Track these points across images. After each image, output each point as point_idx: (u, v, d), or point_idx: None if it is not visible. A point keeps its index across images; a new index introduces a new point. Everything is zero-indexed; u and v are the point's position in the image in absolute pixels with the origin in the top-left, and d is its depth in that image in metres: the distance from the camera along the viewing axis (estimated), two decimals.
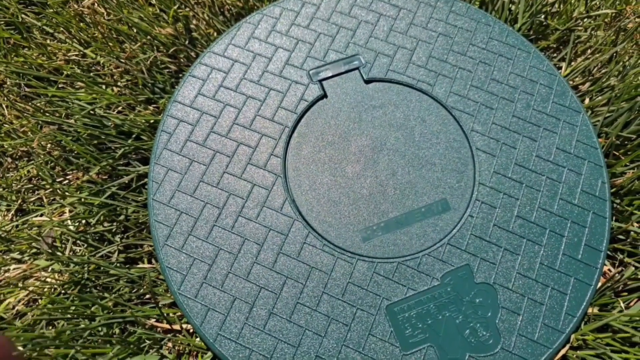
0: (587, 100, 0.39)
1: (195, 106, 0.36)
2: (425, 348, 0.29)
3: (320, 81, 0.36)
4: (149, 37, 0.41)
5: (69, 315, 0.32)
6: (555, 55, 0.42)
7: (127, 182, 0.37)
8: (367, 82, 0.36)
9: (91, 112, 0.39)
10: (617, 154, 0.37)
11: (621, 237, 0.35)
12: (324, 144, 0.34)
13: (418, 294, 0.30)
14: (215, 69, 0.37)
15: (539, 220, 0.32)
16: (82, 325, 0.31)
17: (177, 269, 0.31)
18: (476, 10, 0.39)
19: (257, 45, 0.37)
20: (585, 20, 0.42)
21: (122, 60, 0.40)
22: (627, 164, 0.36)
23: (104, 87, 0.41)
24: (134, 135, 0.39)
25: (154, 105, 0.40)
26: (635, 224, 0.34)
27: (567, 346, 0.30)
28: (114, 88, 0.41)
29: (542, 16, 0.42)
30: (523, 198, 0.33)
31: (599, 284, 0.32)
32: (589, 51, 0.41)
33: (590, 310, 0.32)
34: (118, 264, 0.35)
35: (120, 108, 0.40)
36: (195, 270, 0.30)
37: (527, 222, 0.32)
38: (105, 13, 0.43)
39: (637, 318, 0.31)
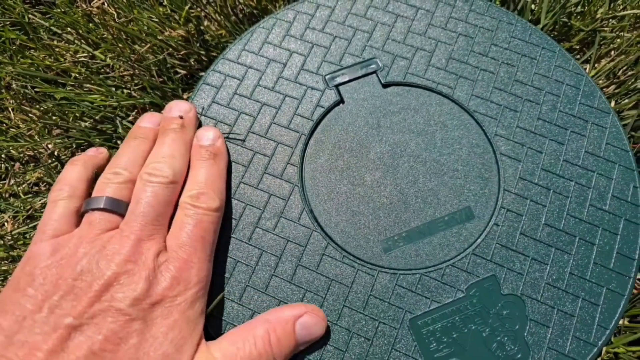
0: (612, 104, 0.38)
1: (209, 115, 0.34)
2: None
3: (337, 86, 0.35)
4: (159, 38, 0.39)
5: None
6: (578, 57, 0.40)
7: None
8: (385, 86, 0.35)
9: (106, 114, 0.38)
10: None
11: None
12: (341, 151, 0.33)
13: (442, 306, 0.29)
14: (229, 76, 0.35)
15: (568, 227, 0.31)
16: None
17: None
18: (497, 8, 0.38)
19: (272, 50, 0.36)
20: (610, 20, 0.41)
21: (131, 63, 0.39)
22: None
23: (114, 89, 0.39)
24: None
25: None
26: None
27: None
28: (124, 91, 0.39)
29: (566, 17, 0.41)
30: (550, 205, 0.32)
31: (631, 295, 0.31)
32: (613, 53, 0.40)
33: (621, 322, 0.31)
34: None
35: (135, 113, 0.39)
36: (212, 284, 0.29)
37: (555, 230, 0.31)
38: (115, 14, 0.42)
39: None
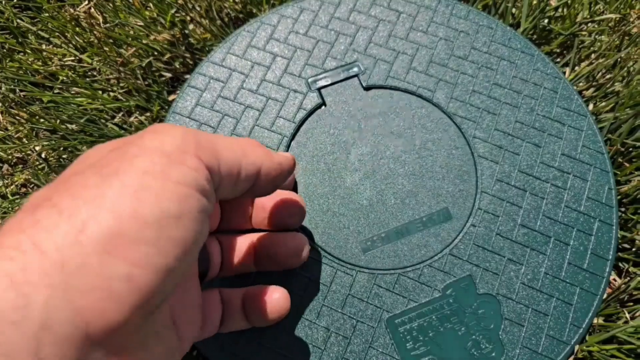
0: (591, 106, 0.38)
1: (193, 117, 0.35)
2: None
3: (319, 89, 0.36)
4: (144, 42, 0.40)
5: None
6: (558, 60, 0.41)
7: None
8: (367, 89, 0.36)
9: (92, 117, 0.38)
10: (622, 161, 0.36)
11: (626, 246, 0.34)
12: (322, 153, 0.34)
13: (419, 305, 0.30)
14: (213, 79, 0.36)
15: (543, 228, 0.32)
16: None
17: None
18: (478, 12, 0.38)
19: (256, 53, 0.37)
20: (589, 24, 0.41)
21: (117, 67, 0.39)
22: (633, 171, 0.35)
23: (100, 92, 0.40)
24: None
25: (149, 113, 0.39)
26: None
27: (571, 358, 0.30)
28: (110, 94, 0.40)
29: (546, 20, 0.41)
30: (527, 206, 0.32)
31: (605, 294, 0.31)
32: (592, 56, 0.40)
33: (595, 320, 0.31)
34: None
35: (121, 115, 0.39)
36: None
37: (531, 231, 0.32)
38: (101, 20, 0.42)
39: None
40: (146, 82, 0.40)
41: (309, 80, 0.36)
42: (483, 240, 0.31)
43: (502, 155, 0.34)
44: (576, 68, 0.40)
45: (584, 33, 0.41)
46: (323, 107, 0.35)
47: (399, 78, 0.36)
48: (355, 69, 0.36)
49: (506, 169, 0.33)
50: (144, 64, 0.39)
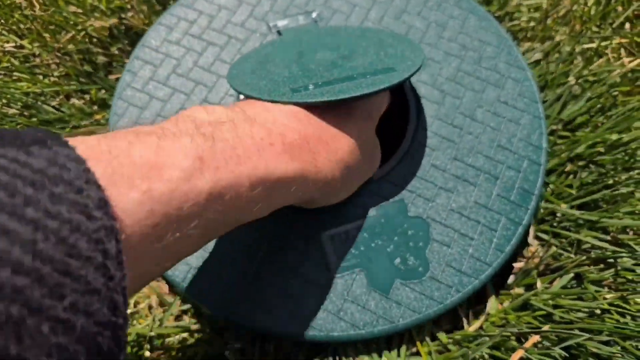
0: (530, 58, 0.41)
1: (124, 98, 0.37)
2: (356, 272, 0.30)
3: (278, 30, 0.38)
4: (82, 28, 0.42)
5: None
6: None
7: None
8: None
9: (31, 101, 0.40)
10: (557, 140, 0.38)
11: (548, 218, 0.36)
12: None
13: (353, 223, 0.32)
14: (147, 63, 0.38)
15: (476, 163, 0.34)
16: None
17: None
18: None
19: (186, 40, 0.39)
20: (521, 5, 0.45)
21: (56, 53, 0.41)
22: (561, 147, 0.38)
23: (41, 77, 0.41)
24: (71, 125, 0.40)
25: (88, 95, 0.41)
26: (564, 205, 0.35)
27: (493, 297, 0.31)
28: (51, 78, 0.42)
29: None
30: (462, 143, 0.35)
31: (522, 264, 0.33)
32: (528, 34, 0.43)
33: (515, 290, 0.33)
34: None
35: (59, 98, 0.41)
36: None
37: (464, 165, 0.34)
38: (38, 7, 0.44)
39: (559, 296, 0.32)
40: (85, 67, 0.42)
41: (270, 23, 0.39)
42: (418, 169, 0.33)
43: (444, 97, 0.36)
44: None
45: (515, 14, 0.44)
46: None
47: None
48: (314, 15, 0.39)
49: (447, 110, 0.36)
50: (80, 49, 0.41)
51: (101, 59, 0.43)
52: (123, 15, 0.43)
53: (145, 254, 0.17)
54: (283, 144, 0.23)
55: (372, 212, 0.32)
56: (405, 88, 0.36)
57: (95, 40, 0.43)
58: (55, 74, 0.42)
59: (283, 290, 0.30)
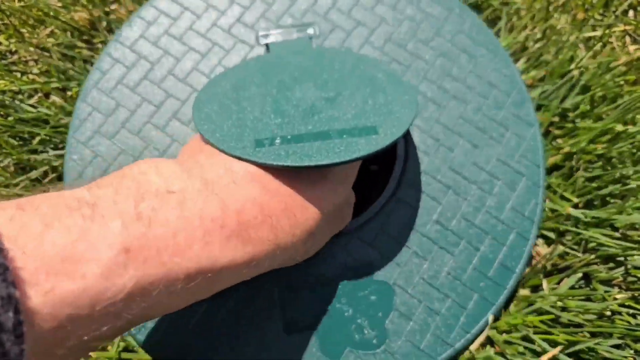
0: (523, 76, 0.38)
1: (88, 101, 0.34)
2: (307, 334, 0.29)
3: (267, 45, 0.34)
4: (62, 20, 0.38)
5: None
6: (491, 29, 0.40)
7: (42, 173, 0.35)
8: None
9: (7, 99, 0.37)
10: (557, 132, 0.36)
11: (553, 216, 0.34)
12: None
13: (311, 281, 0.29)
14: (118, 62, 0.34)
15: (458, 229, 0.31)
16: None
17: None
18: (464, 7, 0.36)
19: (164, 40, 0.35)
20: None
21: (32, 48, 0.37)
22: (563, 141, 0.35)
23: (19, 75, 0.38)
24: (50, 125, 0.37)
25: (70, 92, 0.38)
26: (568, 207, 0.33)
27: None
28: (29, 76, 0.38)
29: None
30: (446, 204, 0.31)
31: (529, 268, 0.32)
32: (528, 23, 0.39)
33: (521, 291, 0.31)
34: None
35: (37, 96, 0.38)
36: None
37: (444, 229, 0.31)
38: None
39: (567, 297, 0.31)
40: (65, 63, 0.38)
41: (260, 33, 0.34)
42: (392, 228, 0.31)
43: (436, 148, 0.32)
44: (508, 37, 0.39)
45: (514, 2, 0.40)
46: None
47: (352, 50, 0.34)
48: (310, 31, 0.35)
49: (436, 163, 0.32)
50: (60, 43, 0.37)
51: (84, 53, 0.39)
52: (107, 9, 0.39)
53: (44, 356, 0.15)
54: (238, 224, 0.20)
55: (334, 269, 0.30)
56: None
57: (76, 33, 0.39)
58: (35, 70, 0.39)
59: (239, 347, 0.28)
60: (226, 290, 0.22)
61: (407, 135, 0.33)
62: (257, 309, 0.29)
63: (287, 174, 0.23)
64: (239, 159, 0.22)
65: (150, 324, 0.29)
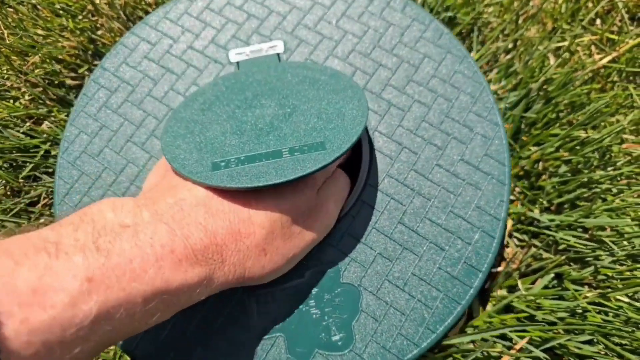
0: (493, 87, 0.38)
1: (75, 124, 0.36)
2: (276, 337, 0.30)
3: (237, 62, 0.36)
4: (48, 49, 0.40)
5: None
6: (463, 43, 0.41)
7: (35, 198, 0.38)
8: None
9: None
10: (525, 139, 0.36)
11: (525, 219, 0.34)
12: None
13: (279, 285, 0.30)
14: (103, 87, 0.37)
15: (422, 230, 0.31)
16: None
17: None
18: (428, 15, 0.38)
19: (187, 21, 0.38)
20: (490, 7, 0.41)
21: (21, 77, 0.40)
22: (530, 148, 0.35)
23: (12, 101, 0.41)
24: (43, 151, 0.39)
25: (61, 118, 0.41)
26: (537, 211, 0.34)
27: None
28: (22, 101, 0.41)
29: (452, 13, 0.41)
30: (411, 206, 0.32)
31: (501, 268, 0.32)
32: (499, 36, 0.40)
33: (498, 292, 0.32)
34: None
35: (30, 123, 0.40)
36: None
37: (409, 230, 0.31)
38: (7, 33, 0.43)
39: (541, 297, 0.32)
40: (52, 90, 0.40)
41: (230, 53, 0.37)
42: (358, 232, 0.31)
43: (400, 152, 0.33)
44: (480, 50, 0.40)
45: (485, 16, 0.41)
46: None
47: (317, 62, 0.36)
48: (278, 47, 0.36)
49: (401, 166, 0.33)
50: (48, 71, 0.40)
51: (70, 82, 0.42)
52: (93, 35, 0.42)
53: None
54: (185, 247, 0.22)
55: (301, 272, 0.31)
56: (361, 137, 0.34)
57: (63, 62, 0.42)
58: (26, 97, 0.42)
59: (210, 352, 0.30)
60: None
61: (370, 141, 0.34)
62: (226, 314, 0.30)
63: (234, 193, 0.24)
64: (197, 183, 0.24)
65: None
